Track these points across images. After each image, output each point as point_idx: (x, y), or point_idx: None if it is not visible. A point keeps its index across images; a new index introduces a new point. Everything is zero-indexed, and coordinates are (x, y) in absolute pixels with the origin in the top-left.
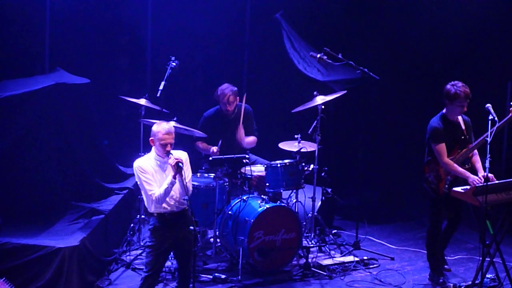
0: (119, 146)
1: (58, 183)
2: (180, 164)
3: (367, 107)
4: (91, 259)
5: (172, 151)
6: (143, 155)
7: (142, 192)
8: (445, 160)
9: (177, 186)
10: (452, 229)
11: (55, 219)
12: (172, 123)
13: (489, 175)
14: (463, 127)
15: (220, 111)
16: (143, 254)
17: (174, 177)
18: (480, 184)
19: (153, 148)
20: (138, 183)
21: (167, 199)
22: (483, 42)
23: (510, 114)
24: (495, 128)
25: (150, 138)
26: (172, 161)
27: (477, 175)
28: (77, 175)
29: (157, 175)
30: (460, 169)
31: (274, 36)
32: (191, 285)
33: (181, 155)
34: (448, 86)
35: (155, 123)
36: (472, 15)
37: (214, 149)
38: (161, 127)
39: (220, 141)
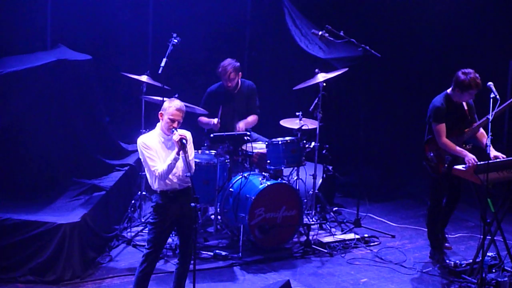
0: (120, 122)
1: (59, 159)
2: (184, 140)
3: (368, 85)
4: (92, 236)
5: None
6: (144, 132)
7: (146, 169)
8: (443, 140)
9: (180, 163)
10: (452, 207)
11: (56, 195)
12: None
13: (500, 154)
14: (466, 107)
15: (223, 86)
16: (144, 231)
17: (178, 153)
18: (482, 162)
19: (158, 124)
20: (142, 159)
21: (170, 176)
22: (485, 21)
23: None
24: (496, 108)
25: (160, 112)
26: (176, 137)
27: (485, 154)
28: (79, 152)
29: (161, 151)
30: (458, 148)
31: (276, 13)
32: (191, 261)
33: (185, 133)
34: (461, 75)
35: (156, 99)
36: None
37: (215, 120)
38: (174, 103)
39: (220, 111)
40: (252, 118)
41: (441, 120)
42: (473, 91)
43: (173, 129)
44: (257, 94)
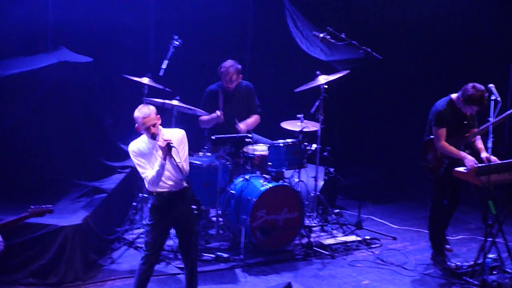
0: (122, 125)
1: (61, 162)
2: (171, 144)
3: (370, 87)
4: (93, 238)
5: (165, 130)
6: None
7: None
8: (441, 143)
9: (170, 166)
10: (453, 209)
11: (58, 197)
12: (176, 102)
13: (492, 157)
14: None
15: (222, 86)
16: None
17: (164, 159)
18: (483, 164)
19: None
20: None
21: (164, 179)
22: (486, 24)
23: None
24: (493, 119)
25: (136, 126)
26: (161, 143)
27: (479, 155)
28: (80, 154)
29: (151, 156)
30: (456, 150)
31: (277, 15)
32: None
33: (176, 133)
34: (470, 89)
35: (158, 102)
36: None
37: (218, 112)
38: (139, 113)
39: (220, 101)
40: (253, 119)
41: (442, 124)
42: (475, 107)
43: (156, 135)
44: (255, 93)
